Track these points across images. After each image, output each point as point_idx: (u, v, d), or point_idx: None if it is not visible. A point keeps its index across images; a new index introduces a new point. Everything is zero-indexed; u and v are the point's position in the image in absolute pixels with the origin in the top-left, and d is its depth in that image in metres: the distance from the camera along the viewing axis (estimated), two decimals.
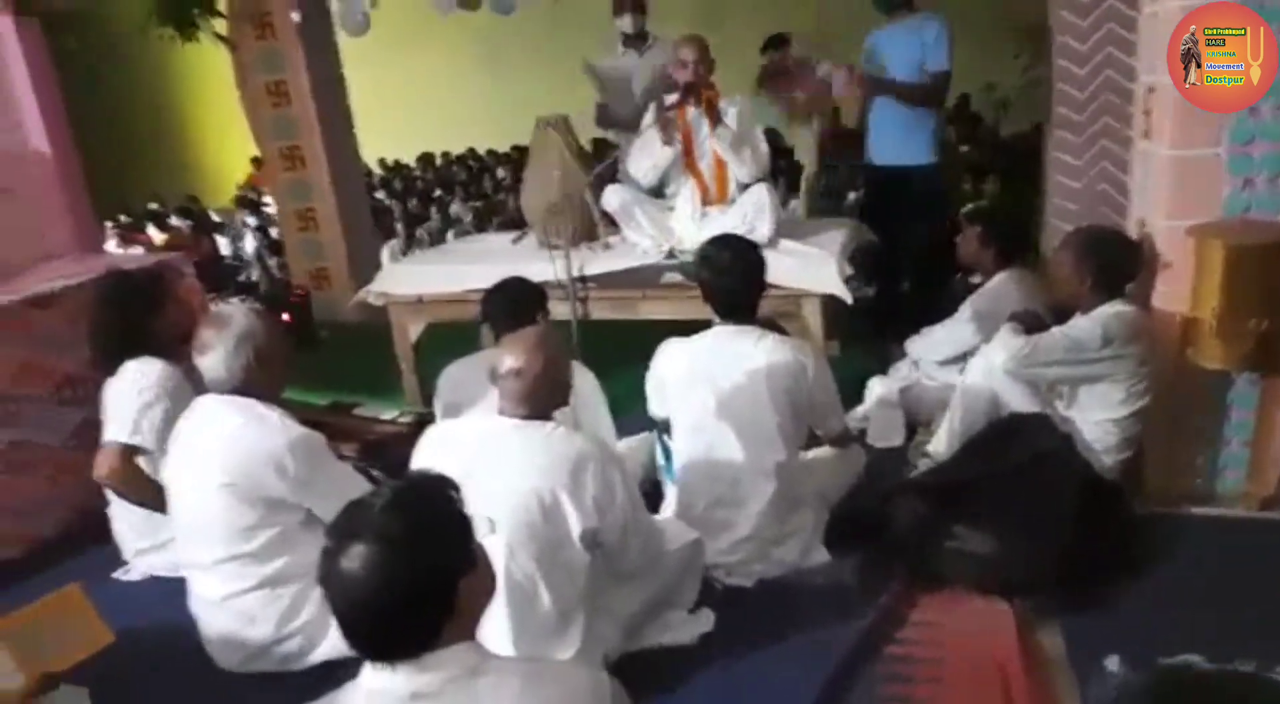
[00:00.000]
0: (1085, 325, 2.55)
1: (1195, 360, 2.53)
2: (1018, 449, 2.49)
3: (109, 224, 8.40)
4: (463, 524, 1.29)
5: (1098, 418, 2.60)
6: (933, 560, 2.42)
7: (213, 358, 2.21)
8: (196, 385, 2.42)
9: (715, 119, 3.52)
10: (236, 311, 2.28)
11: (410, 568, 1.19)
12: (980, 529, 2.38)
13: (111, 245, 8.14)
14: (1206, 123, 2.44)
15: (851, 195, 6.93)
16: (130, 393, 2.60)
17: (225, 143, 13.06)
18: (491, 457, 2.01)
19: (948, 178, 5.14)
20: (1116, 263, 2.59)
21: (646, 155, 3.68)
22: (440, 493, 1.30)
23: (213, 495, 2.16)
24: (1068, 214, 4.40)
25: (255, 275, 7.23)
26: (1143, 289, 2.67)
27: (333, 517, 2.13)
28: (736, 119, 3.53)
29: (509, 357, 2.07)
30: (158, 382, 2.62)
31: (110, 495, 2.77)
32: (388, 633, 1.22)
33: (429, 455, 2.10)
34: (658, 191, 3.96)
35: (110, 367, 2.71)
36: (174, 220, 9.11)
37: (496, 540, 1.93)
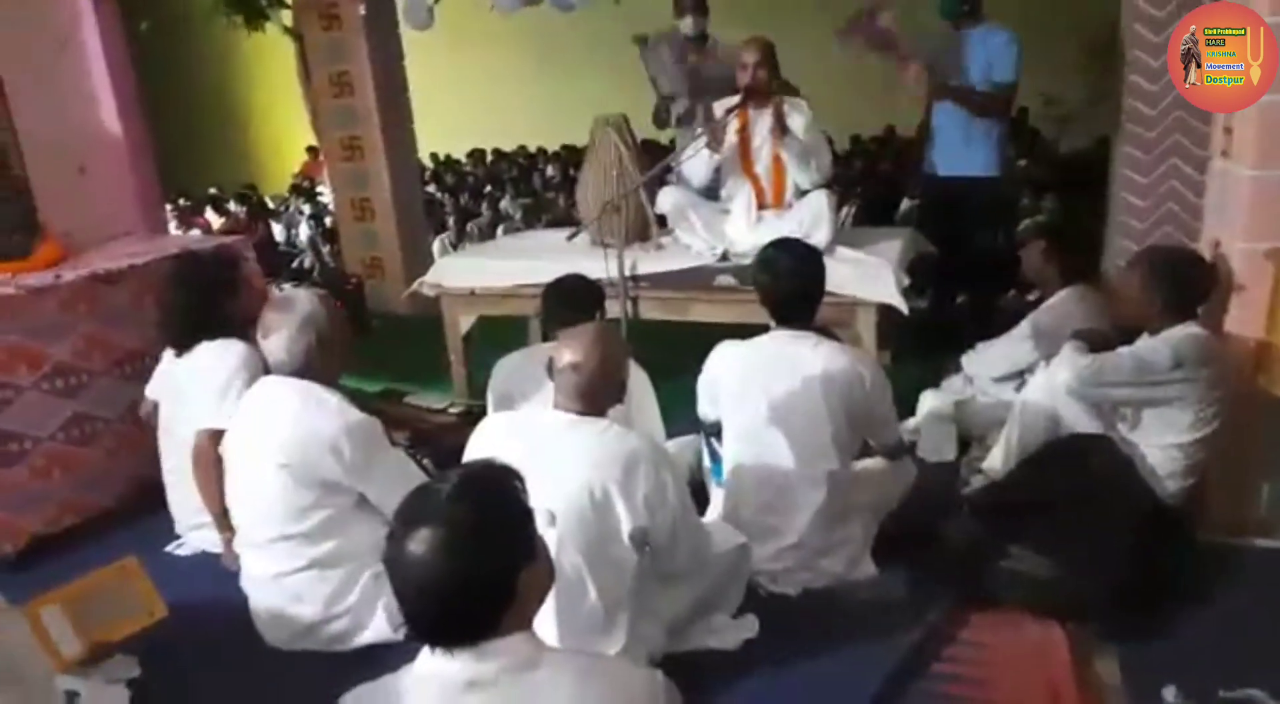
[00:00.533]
0: (1155, 346, 2.48)
1: (1267, 387, 2.45)
2: (1078, 471, 2.44)
3: (168, 206, 8.60)
4: (526, 515, 1.29)
5: (1163, 442, 2.52)
6: (986, 580, 2.37)
7: (276, 340, 2.24)
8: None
9: (782, 128, 3.50)
10: (301, 295, 2.32)
11: (475, 555, 1.20)
12: (1037, 551, 2.33)
13: (170, 227, 8.34)
14: None
15: (905, 203, 6.86)
16: (216, 376, 2.65)
17: (284, 132, 13.33)
18: (546, 450, 2.01)
19: (1011, 191, 5.06)
20: (1188, 284, 2.51)
21: (698, 159, 3.67)
22: (505, 483, 1.30)
23: (270, 475, 2.20)
24: (1133, 232, 4.29)
25: (308, 262, 7.36)
26: (1215, 312, 2.59)
27: (385, 502, 2.21)
28: (804, 128, 3.51)
29: (567, 351, 2.07)
30: (243, 363, 2.67)
31: (170, 470, 2.83)
32: (449, 619, 1.22)
33: (484, 446, 2.10)
34: (712, 194, 3.95)
35: (182, 346, 2.77)
36: (231, 205, 9.31)
37: (553, 533, 1.93)
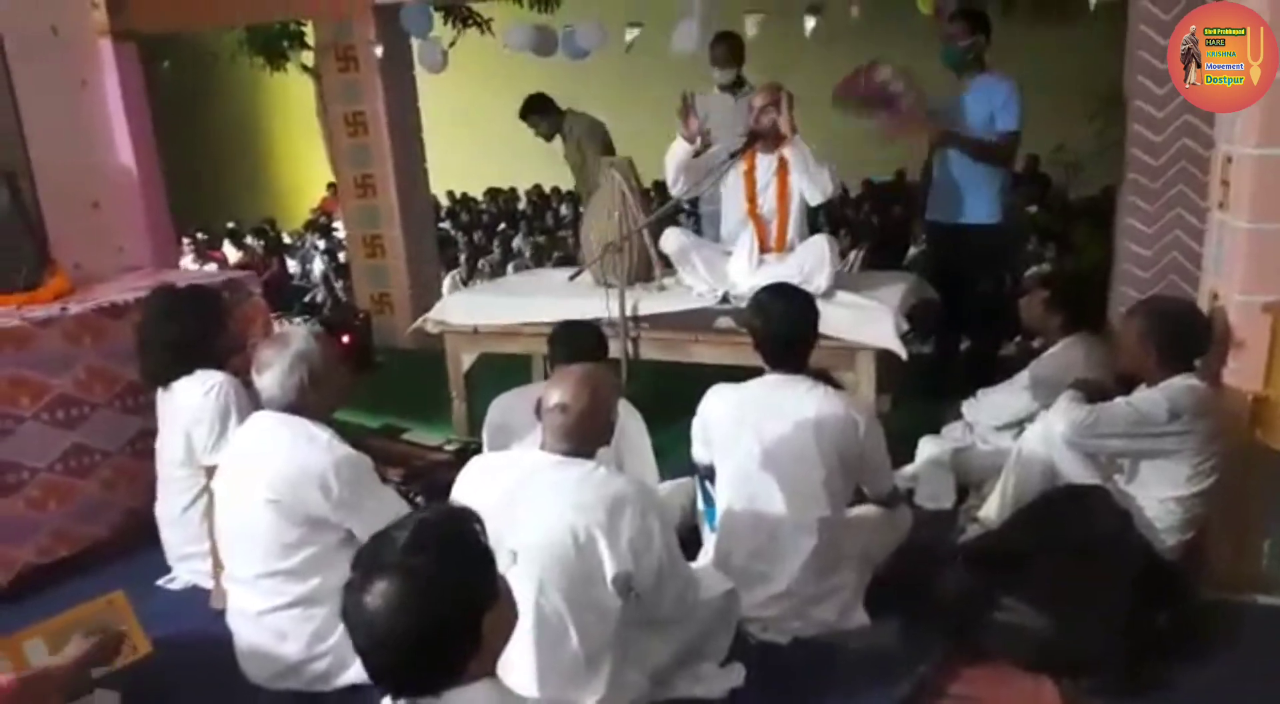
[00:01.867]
0: (1153, 397, 2.46)
1: (1265, 441, 2.42)
2: (1073, 522, 2.40)
3: (186, 240, 8.74)
4: (486, 557, 1.28)
5: (1160, 495, 2.49)
6: (979, 632, 2.33)
7: (269, 376, 2.26)
8: (254, 400, 2.48)
9: (784, 171, 3.55)
10: (295, 332, 2.34)
11: (435, 605, 1.18)
12: (1031, 603, 2.28)
13: (188, 261, 8.47)
14: None
15: (912, 249, 6.88)
16: (206, 413, 2.68)
17: (304, 168, 13.58)
18: (530, 491, 2.01)
19: (1013, 239, 5.06)
20: (1185, 336, 2.50)
21: (670, 159, 3.68)
22: (463, 525, 1.28)
23: (258, 510, 2.20)
24: (1137, 281, 4.29)
25: (321, 297, 7.43)
26: (1213, 364, 2.57)
27: None
28: (798, 157, 3.53)
29: (555, 391, 2.07)
30: (227, 396, 2.70)
31: (160, 501, 2.84)
32: (411, 670, 1.21)
33: (469, 486, 2.11)
34: (716, 238, 3.98)
35: (158, 381, 2.79)
36: (249, 240, 9.45)
37: (521, 573, 1.92)
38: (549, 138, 5.23)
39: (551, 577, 1.96)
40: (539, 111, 5.18)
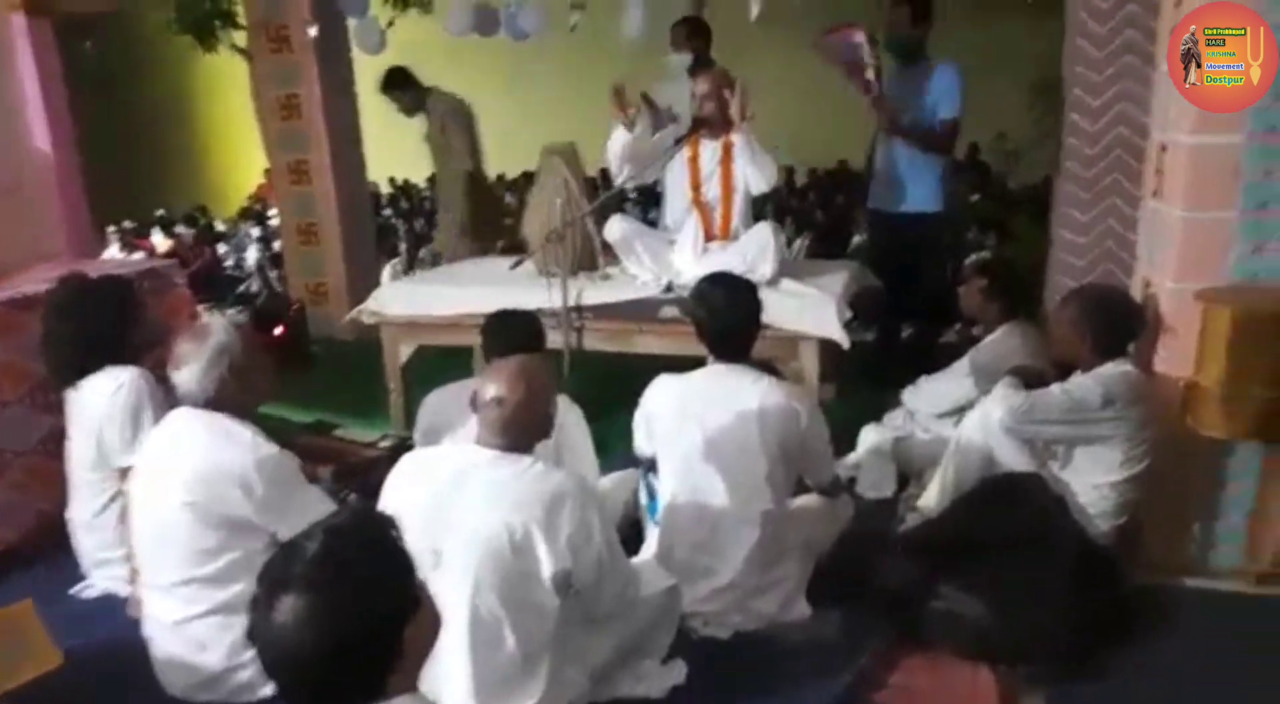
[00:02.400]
0: (1087, 384, 2.48)
1: (1196, 428, 2.45)
2: (1011, 510, 2.41)
3: (112, 229, 8.40)
4: (404, 565, 1.20)
5: (1094, 481, 2.52)
6: (918, 621, 2.33)
7: (187, 371, 2.15)
8: (170, 396, 2.36)
9: (729, 158, 3.50)
10: (215, 324, 2.23)
11: (348, 619, 1.10)
12: (969, 592, 2.29)
13: (114, 250, 8.15)
14: (1220, 185, 2.39)
15: (856, 238, 6.92)
16: (117, 412, 2.54)
17: (239, 154, 13.16)
18: (465, 488, 1.94)
19: (954, 227, 5.10)
20: (1118, 323, 2.53)
21: (612, 148, 3.61)
22: (377, 532, 1.21)
23: (174, 513, 2.09)
24: (1072, 269, 4.35)
25: (255, 287, 7.21)
26: (1145, 351, 2.60)
27: None
28: (744, 145, 3.49)
29: (491, 384, 2.00)
30: (138, 392, 2.57)
31: (72, 504, 2.70)
32: (326, 690, 1.12)
33: (401, 484, 2.03)
34: (657, 225, 3.93)
35: (65, 379, 2.65)
36: (179, 228, 9.13)
37: (455, 573, 1.86)
38: (410, 113, 5.01)
39: (486, 577, 1.90)
40: (399, 86, 4.93)
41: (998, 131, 8.99)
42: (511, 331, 2.69)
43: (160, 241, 8.58)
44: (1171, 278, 2.50)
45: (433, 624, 1.26)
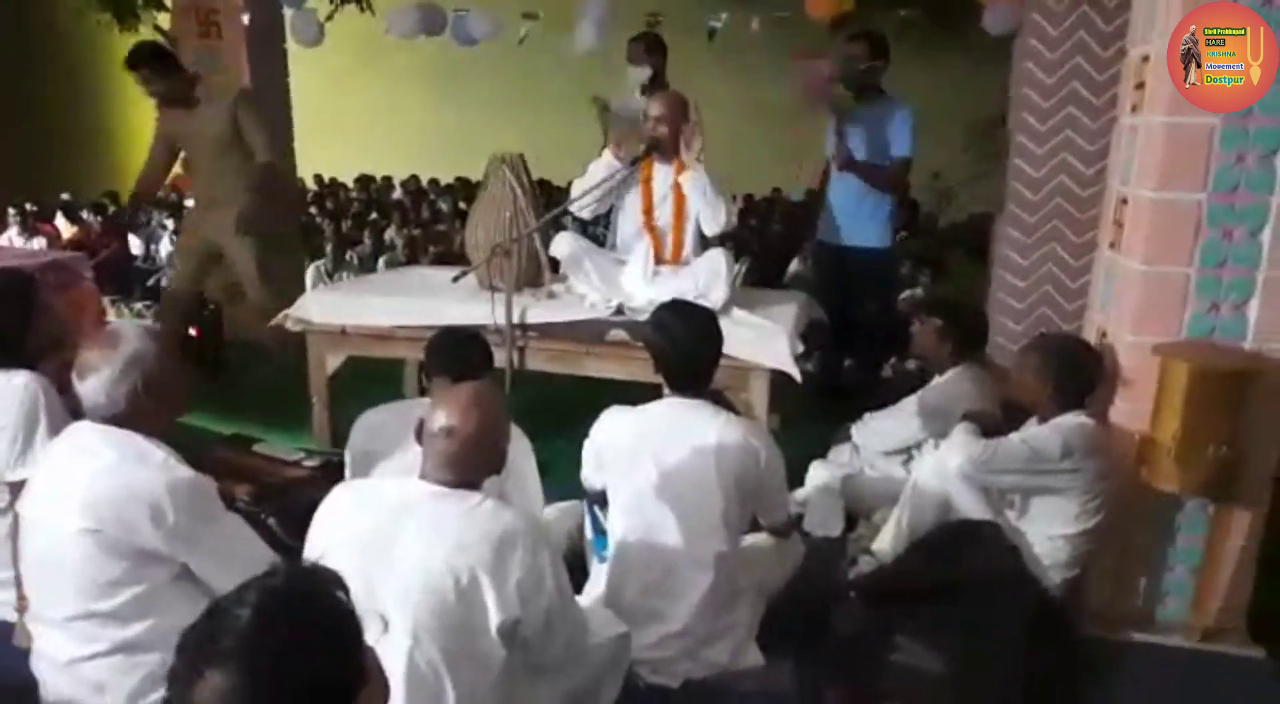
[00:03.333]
0: (1046, 434, 2.46)
1: (1149, 481, 2.45)
2: (968, 559, 2.35)
3: (12, 211, 7.83)
4: (351, 634, 1.05)
5: (1049, 532, 2.50)
6: (873, 673, 2.24)
7: (94, 381, 1.91)
8: (71, 405, 2.12)
9: (680, 178, 3.42)
10: (129, 330, 1.99)
11: (286, 700, 0.95)
12: (925, 643, 2.22)
13: (13, 234, 7.59)
14: (1179, 240, 2.41)
15: (794, 264, 6.94)
16: (9, 420, 2.29)
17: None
18: (406, 527, 1.77)
19: (895, 263, 5.15)
20: (1080, 373, 2.52)
21: (591, 176, 3.53)
22: (320, 595, 1.05)
23: (71, 541, 1.85)
24: (1012, 312, 4.42)
25: (166, 281, 6.79)
26: (1101, 403, 2.60)
27: (214, 576, 1.89)
28: (697, 184, 3.41)
29: (441, 413, 1.84)
30: (35, 399, 2.31)
31: None
32: None
33: (334, 520, 1.84)
34: (604, 242, 3.81)
35: None
36: (85, 215, 8.57)
37: (394, 620, 1.68)
38: (165, 100, 4.22)
39: (426, 625, 1.72)
40: (158, 68, 4.07)
41: (933, 171, 9.19)
42: (463, 351, 2.50)
43: (65, 227, 8.04)
44: (1130, 331, 2.51)
45: (382, 694, 1.11)
